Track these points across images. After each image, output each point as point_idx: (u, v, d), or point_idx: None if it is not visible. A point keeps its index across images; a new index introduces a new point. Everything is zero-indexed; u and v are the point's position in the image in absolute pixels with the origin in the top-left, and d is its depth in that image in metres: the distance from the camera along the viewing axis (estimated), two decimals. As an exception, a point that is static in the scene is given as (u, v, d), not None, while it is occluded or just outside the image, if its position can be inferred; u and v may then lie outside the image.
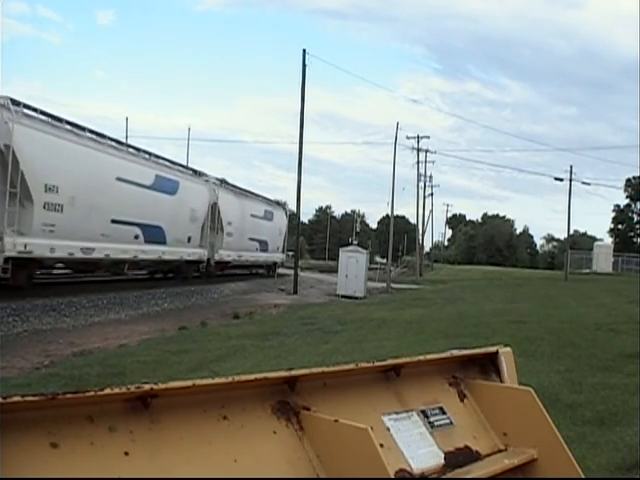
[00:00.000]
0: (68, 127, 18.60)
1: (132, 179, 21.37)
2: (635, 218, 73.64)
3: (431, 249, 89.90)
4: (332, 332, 13.82)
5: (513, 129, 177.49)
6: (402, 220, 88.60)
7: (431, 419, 2.11)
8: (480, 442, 2.17)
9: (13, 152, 15.48)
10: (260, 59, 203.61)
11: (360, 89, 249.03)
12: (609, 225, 74.90)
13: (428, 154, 56.39)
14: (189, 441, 1.50)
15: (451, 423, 2.16)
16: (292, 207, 42.75)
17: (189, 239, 26.52)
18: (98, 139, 20.23)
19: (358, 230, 60.11)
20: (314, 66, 30.66)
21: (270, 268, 39.58)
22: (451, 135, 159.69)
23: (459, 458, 2.04)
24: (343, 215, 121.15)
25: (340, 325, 15.14)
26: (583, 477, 2.11)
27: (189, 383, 1.51)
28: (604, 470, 4.44)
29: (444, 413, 2.17)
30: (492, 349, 2.46)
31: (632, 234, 72.71)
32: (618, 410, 6.23)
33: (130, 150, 23.14)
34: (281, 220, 40.87)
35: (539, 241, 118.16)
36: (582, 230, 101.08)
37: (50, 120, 17.91)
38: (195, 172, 29.24)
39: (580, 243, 76.17)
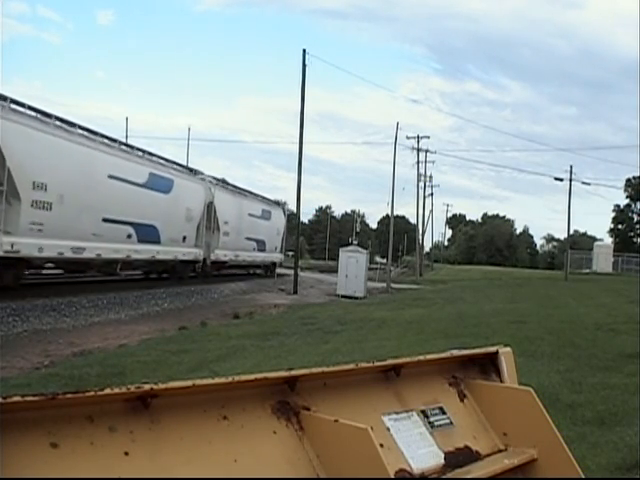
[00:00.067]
0: (58, 123, 18.17)
1: (125, 177, 20.89)
2: (635, 218, 73.68)
3: (431, 249, 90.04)
4: (332, 332, 13.82)
5: (513, 129, 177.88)
6: (402, 220, 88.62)
7: (431, 419, 2.11)
8: (480, 442, 2.17)
9: None
10: (260, 59, 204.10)
11: (360, 89, 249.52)
12: (609, 225, 75.07)
13: (428, 154, 56.56)
14: (189, 441, 1.50)
15: (451, 423, 2.16)
16: (292, 207, 42.79)
17: (184, 239, 26.14)
18: (89, 136, 19.82)
19: (358, 230, 60.18)
20: (314, 66, 30.73)
21: (268, 268, 39.34)
22: (451, 135, 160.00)
23: (459, 458, 2.04)
24: (343, 215, 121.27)
25: (340, 325, 15.14)
26: (583, 477, 2.11)
27: (189, 383, 1.51)
28: (604, 470, 4.44)
29: (444, 413, 2.17)
30: (492, 349, 2.46)
31: (632, 234, 72.73)
32: (618, 410, 6.23)
33: (123, 147, 22.67)
34: (279, 220, 40.54)
35: (539, 241, 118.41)
36: (582, 230, 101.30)
37: (39, 116, 17.42)
38: (190, 170, 28.87)
39: (580, 243, 76.18)
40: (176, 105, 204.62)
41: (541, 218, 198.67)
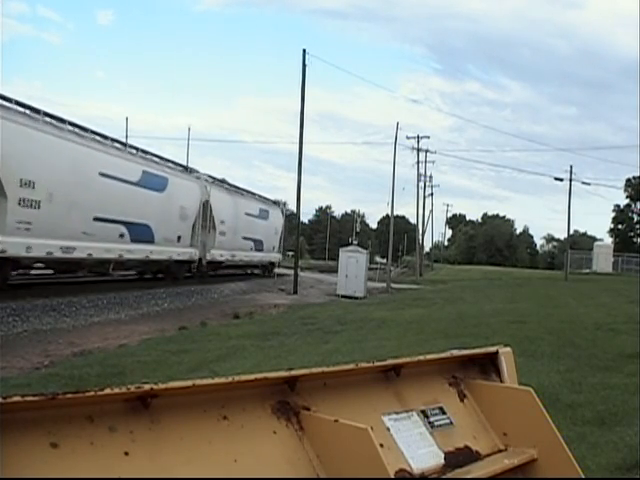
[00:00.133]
0: (47, 119, 17.70)
1: (117, 175, 20.32)
2: (635, 218, 73.68)
3: (431, 249, 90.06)
4: (332, 332, 13.82)
5: (513, 129, 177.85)
6: (402, 220, 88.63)
7: (431, 419, 2.11)
8: (480, 442, 2.17)
9: None
10: (260, 59, 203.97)
11: (360, 89, 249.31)
12: (609, 225, 75.08)
13: (428, 154, 56.56)
14: (189, 441, 1.50)
15: (451, 423, 2.16)
16: (292, 207, 42.76)
17: (179, 238, 25.57)
18: (80, 132, 19.31)
19: (358, 230, 60.23)
20: (314, 66, 30.68)
21: (266, 268, 38.96)
22: (451, 135, 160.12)
23: (459, 458, 2.04)
24: (343, 215, 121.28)
25: (340, 325, 15.14)
26: (583, 477, 2.11)
27: (189, 383, 1.51)
28: (604, 470, 4.44)
29: (444, 413, 2.17)
30: (492, 349, 2.46)
31: (632, 234, 72.73)
32: (618, 410, 6.23)
33: (115, 145, 21.98)
34: (277, 219, 40.05)
35: (539, 241, 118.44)
36: (582, 230, 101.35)
37: (27, 112, 16.95)
38: (186, 169, 28.32)
39: (580, 243, 76.20)
40: (176, 105, 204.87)
41: (541, 218, 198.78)
